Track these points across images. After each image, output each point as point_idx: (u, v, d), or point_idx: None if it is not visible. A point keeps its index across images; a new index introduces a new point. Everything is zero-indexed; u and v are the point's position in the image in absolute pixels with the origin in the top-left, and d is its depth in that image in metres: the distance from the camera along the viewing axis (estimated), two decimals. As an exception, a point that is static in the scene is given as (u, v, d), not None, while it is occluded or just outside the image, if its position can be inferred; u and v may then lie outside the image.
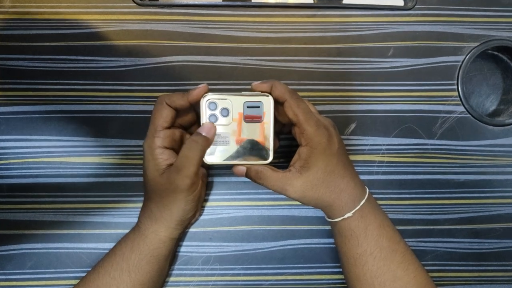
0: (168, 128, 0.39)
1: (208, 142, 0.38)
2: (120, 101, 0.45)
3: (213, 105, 0.38)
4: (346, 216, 0.38)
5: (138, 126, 0.45)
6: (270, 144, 0.38)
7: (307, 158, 0.36)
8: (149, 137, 0.38)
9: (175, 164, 0.37)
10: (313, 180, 0.37)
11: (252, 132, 0.38)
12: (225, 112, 0.38)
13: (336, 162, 0.37)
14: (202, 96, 0.37)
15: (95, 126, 0.45)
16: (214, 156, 0.39)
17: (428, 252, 0.45)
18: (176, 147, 0.40)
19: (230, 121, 0.38)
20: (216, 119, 0.38)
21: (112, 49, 0.45)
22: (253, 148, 0.38)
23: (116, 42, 0.45)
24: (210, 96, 0.37)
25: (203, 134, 0.37)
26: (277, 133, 0.41)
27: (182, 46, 0.45)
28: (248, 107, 0.38)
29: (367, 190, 0.39)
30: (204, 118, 0.38)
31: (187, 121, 0.41)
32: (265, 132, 0.38)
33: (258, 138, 0.38)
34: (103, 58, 0.45)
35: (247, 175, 0.39)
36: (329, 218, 0.40)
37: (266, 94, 0.37)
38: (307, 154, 0.36)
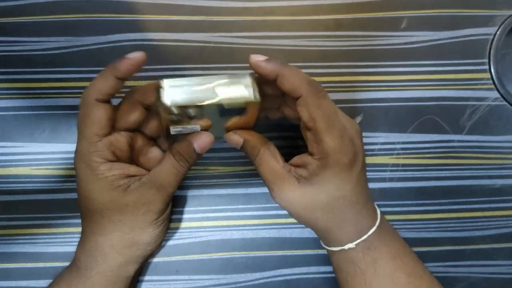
0: (108, 134, 0.30)
1: (198, 158, 0.32)
2: (54, 94, 0.38)
3: (175, 112, 0.28)
4: (346, 247, 0.31)
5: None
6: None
7: (315, 173, 0.29)
8: (83, 154, 0.29)
9: (154, 180, 0.30)
10: (312, 200, 0.29)
11: (227, 119, 0.31)
12: (192, 116, 0.29)
13: (352, 188, 0.29)
14: (156, 85, 0.27)
15: (21, 127, 0.38)
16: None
17: (460, 279, 0.38)
18: (124, 157, 0.31)
19: (199, 120, 0.30)
20: (180, 121, 0.29)
21: (42, 27, 0.38)
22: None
23: (47, 17, 0.38)
24: (173, 102, 0.26)
25: (198, 151, 0.31)
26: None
27: (134, 21, 0.38)
28: (224, 109, 0.29)
29: (379, 214, 0.32)
30: (163, 121, 0.29)
31: (133, 121, 0.31)
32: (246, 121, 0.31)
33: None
34: (31, 39, 0.38)
35: (242, 148, 0.32)
36: (324, 244, 0.33)
37: (256, 100, 0.27)
38: (317, 170, 0.29)
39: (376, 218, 0.31)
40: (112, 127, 0.30)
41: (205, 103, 0.27)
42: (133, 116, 0.31)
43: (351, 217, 0.30)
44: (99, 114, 0.28)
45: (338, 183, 0.29)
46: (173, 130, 0.30)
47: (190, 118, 0.29)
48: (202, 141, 0.30)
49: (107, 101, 0.29)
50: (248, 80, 0.27)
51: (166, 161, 0.30)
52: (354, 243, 0.30)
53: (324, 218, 0.30)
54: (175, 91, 0.26)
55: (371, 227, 0.31)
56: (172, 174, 0.30)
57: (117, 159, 0.30)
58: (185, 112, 0.28)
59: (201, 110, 0.28)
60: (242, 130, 0.32)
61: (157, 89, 0.27)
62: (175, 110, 0.27)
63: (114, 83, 0.28)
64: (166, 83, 0.27)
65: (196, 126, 0.30)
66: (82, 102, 0.29)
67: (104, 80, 0.28)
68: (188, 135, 0.31)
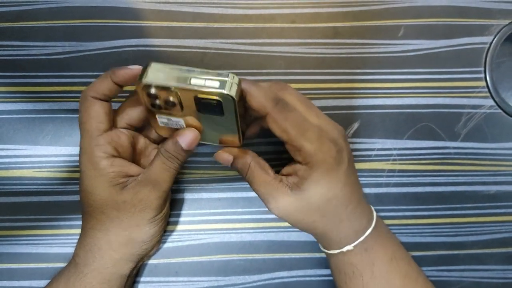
0: (109, 129, 0.31)
1: (188, 156, 0.32)
2: (57, 98, 0.38)
3: (152, 94, 0.28)
4: (345, 249, 0.31)
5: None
6: (239, 133, 0.31)
7: (305, 178, 0.30)
8: (86, 148, 0.30)
9: (149, 177, 0.31)
10: (306, 204, 0.30)
11: (212, 122, 0.30)
12: (171, 103, 0.29)
13: (342, 186, 0.30)
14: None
15: (25, 130, 0.38)
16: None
17: (452, 283, 0.39)
18: (126, 155, 0.32)
19: (179, 111, 0.30)
20: (160, 108, 0.30)
21: (48, 32, 0.38)
22: (218, 125, 0.31)
23: (53, 23, 0.38)
24: (147, 81, 0.27)
25: (184, 148, 0.31)
26: (252, 121, 0.34)
27: (138, 27, 0.38)
28: (201, 103, 0.29)
29: (375, 215, 0.33)
30: (146, 105, 0.30)
31: (137, 118, 0.32)
32: (229, 126, 0.30)
33: (220, 130, 0.31)
34: (36, 44, 0.38)
35: (233, 166, 0.32)
36: (323, 248, 0.34)
37: (227, 93, 0.27)
38: (305, 174, 0.29)
39: (372, 219, 0.32)
40: (112, 124, 0.31)
41: (179, 86, 0.27)
42: (132, 112, 0.32)
43: (346, 217, 0.31)
44: (96, 109, 0.30)
45: (327, 183, 0.29)
46: (160, 120, 0.31)
47: (172, 106, 0.29)
48: (187, 137, 0.30)
49: (104, 100, 0.30)
50: (227, 78, 0.27)
51: (158, 159, 0.31)
52: (352, 244, 0.31)
53: (322, 220, 0.31)
54: (155, 74, 0.27)
55: (367, 228, 0.31)
56: (164, 171, 0.31)
57: (119, 155, 0.31)
58: (163, 98, 0.28)
59: (178, 98, 0.28)
60: (231, 148, 0.32)
61: (144, 68, 0.27)
62: (151, 90, 0.28)
63: (111, 85, 0.29)
64: (152, 65, 0.27)
65: (179, 120, 0.30)
66: (80, 100, 0.30)
67: (102, 81, 0.29)
68: (174, 133, 0.31)
